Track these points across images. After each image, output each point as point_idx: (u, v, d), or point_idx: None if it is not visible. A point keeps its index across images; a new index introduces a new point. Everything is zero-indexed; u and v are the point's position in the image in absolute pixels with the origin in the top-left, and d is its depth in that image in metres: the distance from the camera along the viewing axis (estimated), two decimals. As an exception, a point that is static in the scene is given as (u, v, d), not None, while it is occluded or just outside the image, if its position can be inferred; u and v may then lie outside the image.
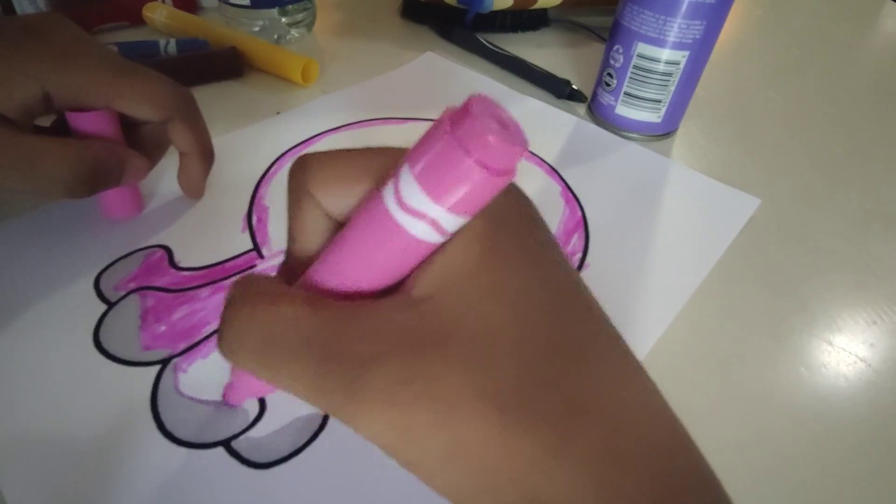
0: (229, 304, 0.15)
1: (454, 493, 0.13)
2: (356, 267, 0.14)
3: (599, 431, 0.13)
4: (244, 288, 0.15)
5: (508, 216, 0.15)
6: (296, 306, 0.14)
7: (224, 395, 0.22)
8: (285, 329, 0.14)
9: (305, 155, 0.16)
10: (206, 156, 0.30)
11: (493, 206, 0.14)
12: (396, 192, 0.13)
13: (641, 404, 0.14)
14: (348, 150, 0.16)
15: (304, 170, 0.16)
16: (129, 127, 0.28)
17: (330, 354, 0.13)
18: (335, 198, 0.15)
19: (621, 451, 0.12)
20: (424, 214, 0.12)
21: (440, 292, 0.13)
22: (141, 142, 0.28)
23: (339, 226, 0.15)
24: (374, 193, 0.13)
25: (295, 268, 0.16)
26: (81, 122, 0.26)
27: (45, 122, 0.26)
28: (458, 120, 0.12)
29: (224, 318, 0.14)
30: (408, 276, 0.14)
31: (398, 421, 0.12)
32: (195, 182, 0.31)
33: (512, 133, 0.12)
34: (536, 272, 0.14)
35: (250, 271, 0.27)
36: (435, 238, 0.13)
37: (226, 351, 0.14)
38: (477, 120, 0.11)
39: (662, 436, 0.13)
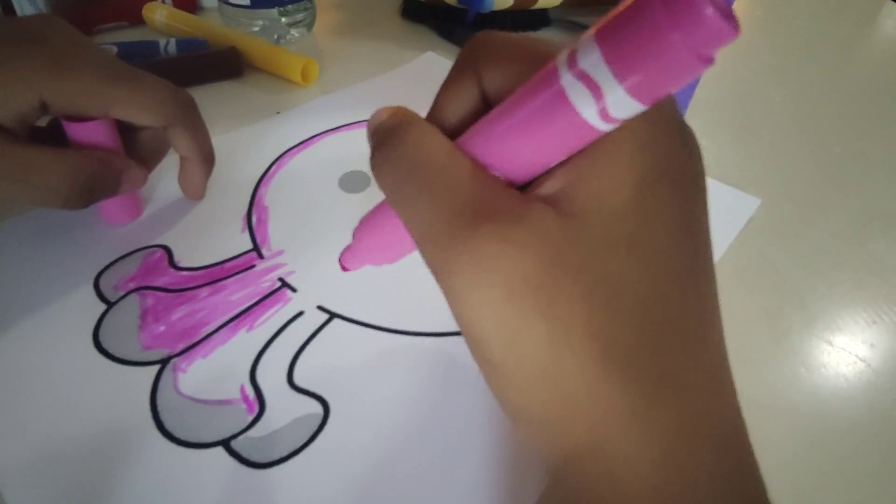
0: (396, 125, 0.15)
1: (525, 409, 0.13)
2: (508, 140, 0.13)
3: (683, 409, 0.13)
4: (410, 116, 0.15)
5: (673, 163, 0.14)
6: (456, 155, 0.14)
7: (340, 260, 0.21)
8: (431, 164, 0.14)
9: (485, 32, 0.16)
10: (207, 160, 0.30)
11: (664, 145, 0.14)
12: (573, 55, 0.11)
13: (730, 394, 0.14)
14: (527, 37, 0.15)
15: (479, 45, 0.15)
16: (127, 132, 0.27)
17: (464, 217, 0.13)
18: (499, 75, 0.15)
19: (696, 434, 0.13)
20: (598, 85, 0.11)
21: (589, 217, 0.13)
22: (139, 148, 0.28)
23: (487, 108, 0.15)
24: (547, 66, 0.12)
25: None
26: (78, 131, 0.25)
27: (42, 121, 0.26)
28: None
29: (386, 135, 0.15)
30: (550, 177, 0.14)
31: (512, 319, 0.12)
32: (195, 185, 0.31)
33: (727, 17, 0.10)
34: (678, 235, 0.14)
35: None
36: (600, 124, 0.12)
37: (377, 164, 0.15)
38: None
39: (738, 423, 0.14)
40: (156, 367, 0.23)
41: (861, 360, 0.27)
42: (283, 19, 0.47)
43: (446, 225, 0.13)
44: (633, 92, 0.11)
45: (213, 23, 0.46)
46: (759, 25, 0.62)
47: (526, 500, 0.20)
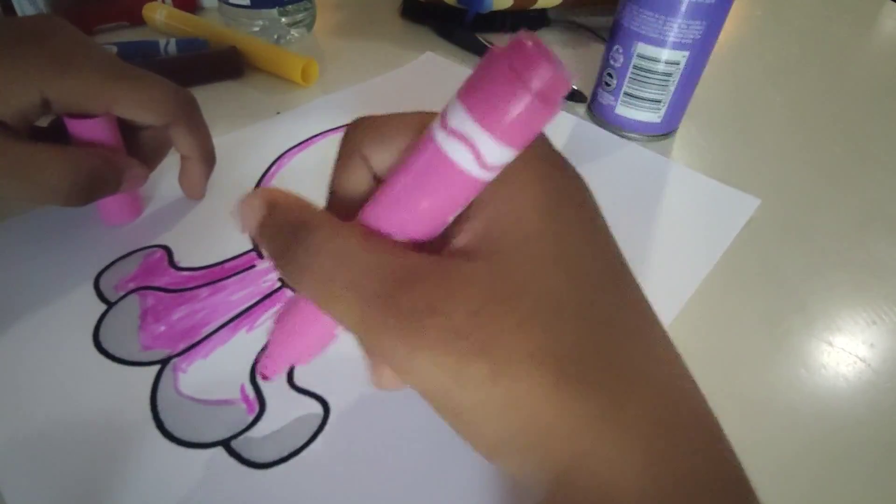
0: (295, 228, 0.15)
1: (500, 445, 0.13)
2: (403, 204, 0.14)
3: (650, 402, 0.13)
4: (306, 216, 0.15)
5: (566, 184, 0.15)
6: (367, 241, 0.14)
7: (261, 370, 0.21)
8: (347, 261, 0.14)
9: (361, 117, 0.17)
10: (208, 159, 0.30)
11: (553, 172, 0.15)
12: (443, 117, 0.13)
13: (688, 381, 0.15)
14: (402, 113, 0.16)
15: (358, 130, 0.16)
16: (128, 131, 0.27)
17: (392, 294, 0.13)
18: (385, 154, 0.16)
19: (670, 423, 0.13)
20: (467, 138, 0.12)
21: (506, 252, 0.14)
22: (140, 147, 0.28)
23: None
24: (424, 133, 0.14)
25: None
26: (80, 128, 0.25)
27: (43, 121, 0.26)
28: (510, 50, 0.12)
29: (288, 243, 0.15)
30: (459, 231, 0.15)
31: (454, 367, 0.13)
32: (196, 184, 0.31)
33: (559, 66, 0.12)
34: (593, 244, 0.15)
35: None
36: (481, 173, 0.13)
37: (290, 273, 0.15)
38: (529, 48, 0.12)
39: (707, 411, 0.14)
40: (156, 367, 0.23)
41: (861, 360, 0.27)
42: (283, 19, 0.47)
43: (377, 311, 0.13)
44: (502, 139, 0.12)
45: (213, 23, 0.46)
46: (759, 25, 0.62)
47: (525, 500, 0.20)
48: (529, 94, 0.12)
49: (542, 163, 0.15)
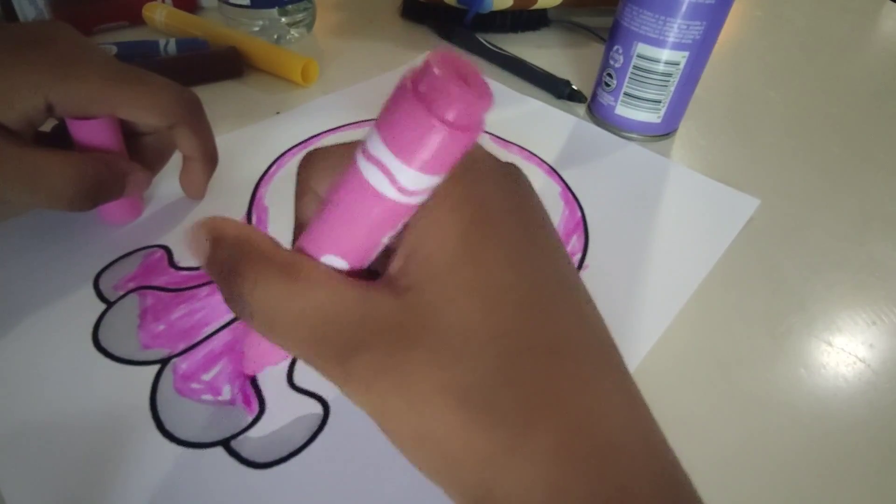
0: (236, 272, 0.15)
1: (425, 469, 0.14)
2: (333, 230, 0.14)
3: (557, 432, 0.13)
4: (244, 251, 0.15)
5: (493, 206, 0.15)
6: (291, 282, 0.14)
7: (243, 369, 0.22)
8: (283, 305, 0.14)
9: (310, 151, 0.17)
10: (210, 160, 0.30)
11: (479, 194, 0.15)
12: (364, 142, 0.13)
13: (611, 408, 0.14)
14: (347, 143, 0.16)
15: (307, 165, 0.17)
16: (131, 136, 0.28)
17: (323, 335, 0.14)
18: (326, 184, 0.16)
19: (575, 453, 0.13)
20: (384, 165, 0.12)
21: (420, 284, 0.14)
22: (143, 151, 0.28)
23: None
24: (352, 157, 0.14)
25: None
26: (82, 130, 0.25)
27: (46, 126, 0.26)
28: (419, 77, 0.11)
29: (228, 278, 0.15)
30: (393, 259, 0.15)
31: (376, 403, 0.14)
32: (197, 185, 0.31)
33: (474, 88, 0.11)
34: (517, 268, 0.14)
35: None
36: (400, 197, 0.13)
37: (237, 314, 0.15)
38: (436, 76, 0.11)
39: (627, 439, 0.14)
40: (155, 367, 0.23)
41: (861, 360, 0.27)
42: (283, 19, 0.47)
43: (312, 352, 0.14)
44: (418, 169, 0.12)
45: (213, 23, 0.46)
46: (759, 25, 0.62)
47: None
48: (442, 126, 0.11)
49: (468, 183, 0.15)
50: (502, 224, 0.15)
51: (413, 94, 0.11)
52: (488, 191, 0.15)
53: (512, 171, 0.16)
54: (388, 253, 0.15)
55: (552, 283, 0.15)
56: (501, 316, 0.14)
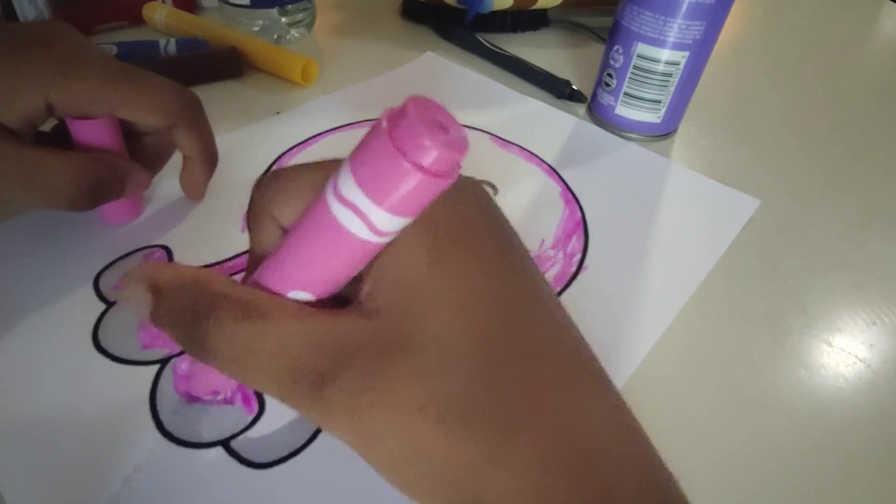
0: (191, 315, 0.14)
1: (410, 491, 0.14)
2: (299, 266, 0.14)
3: (540, 440, 0.13)
4: (195, 295, 0.15)
5: (456, 223, 0.15)
6: (257, 320, 0.14)
7: (189, 391, 0.22)
8: (251, 345, 0.14)
9: (264, 175, 0.17)
10: (211, 160, 0.30)
11: (441, 212, 0.15)
12: (335, 182, 0.13)
13: (592, 413, 0.14)
14: (304, 165, 0.16)
15: (262, 190, 0.16)
16: (131, 136, 0.27)
17: (294, 370, 0.14)
18: (289, 211, 0.16)
19: (559, 459, 0.13)
20: (358, 208, 0.12)
21: (392, 305, 0.14)
22: (143, 151, 0.28)
23: None
24: (319, 195, 0.14)
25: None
26: (82, 130, 0.25)
27: (46, 126, 0.26)
28: (396, 122, 0.11)
29: (186, 333, 0.14)
30: (362, 285, 0.15)
31: (357, 426, 0.14)
32: (197, 184, 0.31)
33: (451, 136, 0.11)
34: (486, 280, 0.15)
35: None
36: (373, 237, 0.13)
37: (202, 360, 0.15)
38: (413, 122, 0.11)
39: (610, 442, 0.14)
40: (155, 367, 0.23)
41: (861, 360, 0.27)
42: (283, 19, 0.47)
43: (284, 388, 0.14)
44: (394, 212, 0.12)
45: (213, 23, 0.46)
46: (759, 25, 0.62)
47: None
48: (418, 173, 0.11)
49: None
50: (468, 238, 0.15)
51: (390, 139, 0.11)
52: (450, 206, 0.15)
53: (469, 186, 0.16)
54: (356, 279, 0.15)
55: (525, 292, 0.15)
56: (478, 325, 0.14)
